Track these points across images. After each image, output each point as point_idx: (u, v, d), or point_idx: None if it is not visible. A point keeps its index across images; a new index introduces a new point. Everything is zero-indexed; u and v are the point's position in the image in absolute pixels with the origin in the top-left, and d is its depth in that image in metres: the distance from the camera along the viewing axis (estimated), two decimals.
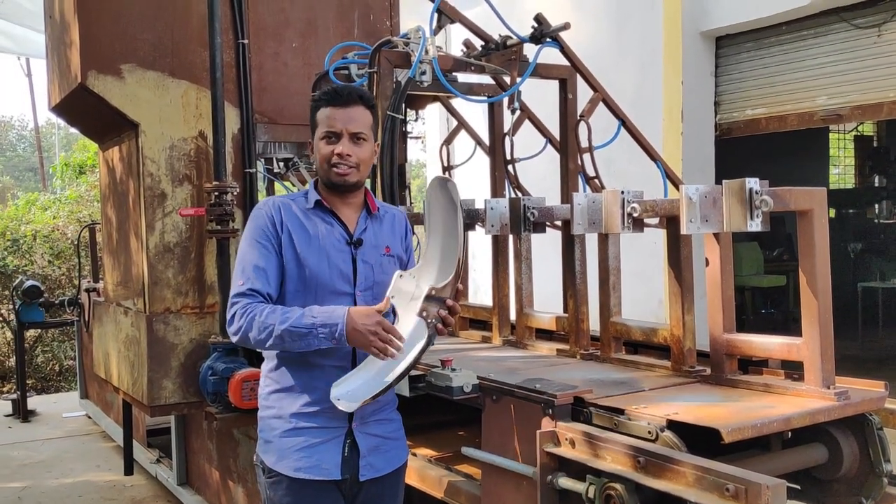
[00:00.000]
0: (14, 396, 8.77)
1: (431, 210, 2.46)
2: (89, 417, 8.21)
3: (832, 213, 12.54)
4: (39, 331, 10.78)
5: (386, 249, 2.66)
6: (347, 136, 2.55)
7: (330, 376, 2.51)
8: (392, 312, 2.52)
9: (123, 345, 4.69)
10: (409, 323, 2.46)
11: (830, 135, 13.86)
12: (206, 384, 4.15)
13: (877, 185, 13.76)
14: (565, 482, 2.43)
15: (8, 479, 6.45)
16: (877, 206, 13.46)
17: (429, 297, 2.43)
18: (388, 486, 2.69)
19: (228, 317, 2.54)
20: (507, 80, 4.24)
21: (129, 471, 5.87)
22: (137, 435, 6.32)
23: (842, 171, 14.93)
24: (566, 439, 2.46)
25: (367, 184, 2.79)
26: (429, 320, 2.44)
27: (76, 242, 9.84)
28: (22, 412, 8.47)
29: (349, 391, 2.45)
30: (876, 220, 13.23)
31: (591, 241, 3.29)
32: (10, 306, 9.75)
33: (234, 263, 4.47)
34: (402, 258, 2.72)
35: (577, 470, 2.41)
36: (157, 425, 6.22)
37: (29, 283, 8.54)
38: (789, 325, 10.45)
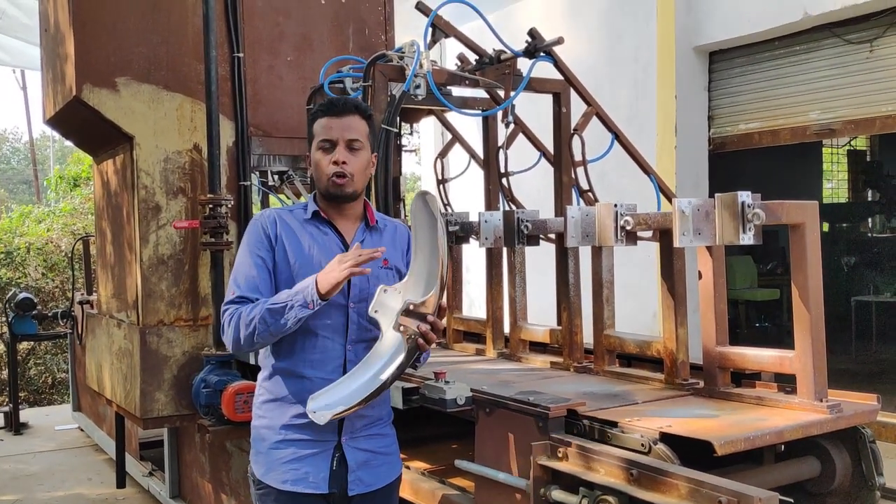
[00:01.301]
0: (6, 409, 8.73)
1: (416, 226, 2.46)
2: (82, 430, 8.18)
3: (826, 227, 12.57)
4: (32, 343, 10.75)
5: (384, 262, 2.66)
6: (343, 144, 2.56)
7: (321, 388, 2.51)
8: (377, 327, 2.51)
9: (116, 357, 4.68)
10: (391, 339, 2.45)
11: (824, 149, 13.92)
12: (198, 396, 4.14)
13: (870, 199, 13.80)
14: (558, 495, 2.43)
15: None
16: (870, 220, 13.50)
17: (407, 313, 2.40)
18: (380, 502, 2.67)
19: (222, 326, 2.57)
20: (501, 93, 4.26)
21: (121, 484, 5.84)
22: (130, 448, 6.29)
23: (835, 185, 14.98)
24: (559, 452, 2.46)
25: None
26: (407, 336, 2.41)
27: (70, 255, 9.83)
28: (14, 425, 8.43)
29: (326, 404, 2.44)
30: (869, 234, 13.26)
31: (585, 255, 3.30)
32: (3, 318, 9.71)
33: (228, 276, 4.50)
34: (401, 271, 2.71)
35: (571, 483, 2.41)
36: (150, 438, 6.20)
37: (22, 295, 8.52)
38: (783, 338, 10.46)
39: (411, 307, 2.40)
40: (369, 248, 2.64)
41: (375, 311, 2.44)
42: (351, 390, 2.45)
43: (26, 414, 9.13)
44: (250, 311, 2.46)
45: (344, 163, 2.56)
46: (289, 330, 2.45)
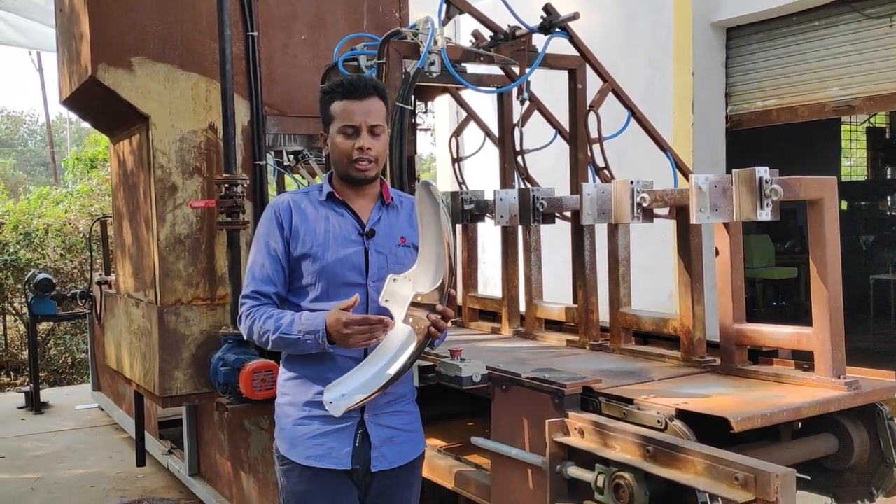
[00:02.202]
0: (27, 389, 8.83)
1: (421, 214, 2.44)
2: (101, 409, 8.26)
3: (844, 205, 12.47)
4: (52, 324, 10.84)
5: (401, 240, 2.65)
6: (366, 130, 2.56)
7: (343, 366, 2.53)
8: (389, 316, 2.49)
9: (135, 336, 4.72)
10: (402, 328, 2.45)
11: (842, 126, 13.78)
12: (217, 375, 4.16)
13: (889, 177, 13.68)
14: (574, 471, 2.43)
15: (21, 471, 6.50)
16: (889, 198, 13.39)
17: (415, 304, 2.41)
18: (402, 478, 2.68)
19: (239, 316, 2.64)
20: (517, 70, 4.24)
21: (140, 462, 5.90)
22: (149, 426, 6.35)
23: (854, 163, 14.85)
24: (575, 429, 2.46)
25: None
26: (417, 326, 2.41)
27: (88, 236, 9.89)
28: (35, 404, 8.53)
29: (342, 395, 2.46)
30: (888, 213, 13.16)
31: (601, 233, 3.29)
32: (23, 299, 9.81)
33: (245, 255, 4.53)
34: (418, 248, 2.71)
35: (587, 459, 2.41)
36: (169, 417, 6.26)
37: (41, 276, 8.58)
38: (801, 317, 10.40)
39: (419, 298, 2.40)
40: (386, 226, 2.65)
41: (386, 301, 2.44)
42: (364, 380, 2.47)
43: (46, 394, 9.23)
44: (264, 324, 2.52)
45: (369, 149, 2.56)
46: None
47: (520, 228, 3.77)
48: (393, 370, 2.43)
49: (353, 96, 2.56)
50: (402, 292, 2.44)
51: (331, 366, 2.55)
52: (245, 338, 2.63)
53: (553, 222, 3.62)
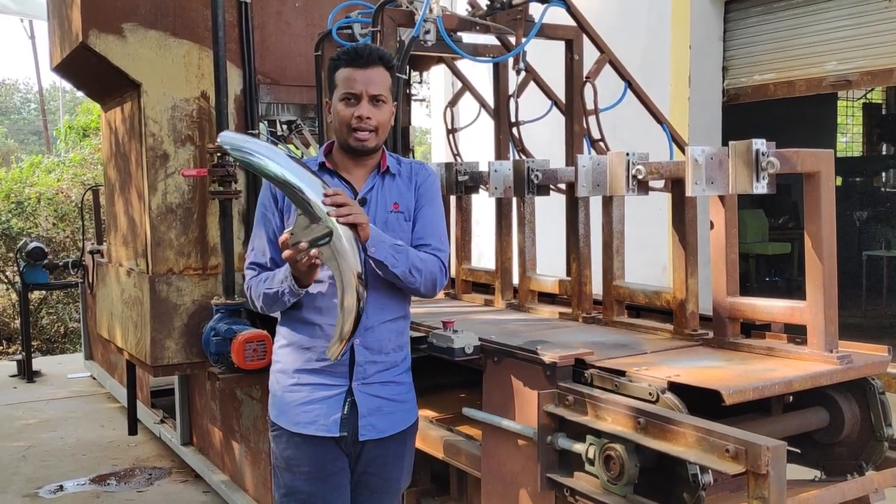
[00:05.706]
0: (19, 357, 8.84)
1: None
2: (94, 378, 8.27)
3: (839, 181, 12.46)
4: (44, 293, 10.82)
5: (394, 206, 2.63)
6: (367, 99, 2.52)
7: (329, 335, 2.51)
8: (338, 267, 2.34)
9: (126, 305, 4.70)
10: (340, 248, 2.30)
11: (839, 102, 13.74)
12: (208, 345, 4.16)
13: (884, 153, 13.66)
14: (565, 443, 2.43)
15: (13, 438, 6.51)
16: (884, 174, 13.38)
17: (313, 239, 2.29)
18: (393, 448, 2.68)
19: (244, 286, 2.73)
20: (513, 40, 4.19)
21: (132, 431, 5.91)
22: (141, 396, 6.36)
23: (850, 139, 14.83)
24: (566, 400, 2.46)
25: None
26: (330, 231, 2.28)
27: (80, 205, 9.84)
28: (27, 373, 8.53)
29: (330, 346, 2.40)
30: (882, 189, 13.16)
31: (596, 206, 3.27)
32: (15, 268, 9.78)
33: (237, 224, 4.53)
34: (411, 213, 2.66)
35: (578, 431, 2.41)
36: (161, 386, 6.26)
37: (33, 244, 8.55)
38: (793, 292, 10.44)
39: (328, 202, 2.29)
40: (379, 194, 2.63)
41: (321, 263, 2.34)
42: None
43: (39, 362, 9.23)
44: (258, 287, 2.58)
45: (368, 118, 2.52)
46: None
47: (514, 200, 3.75)
48: (351, 279, 2.29)
49: (357, 64, 2.52)
50: (307, 235, 2.30)
51: (318, 333, 2.56)
52: (252, 308, 2.70)
53: (548, 194, 3.60)
